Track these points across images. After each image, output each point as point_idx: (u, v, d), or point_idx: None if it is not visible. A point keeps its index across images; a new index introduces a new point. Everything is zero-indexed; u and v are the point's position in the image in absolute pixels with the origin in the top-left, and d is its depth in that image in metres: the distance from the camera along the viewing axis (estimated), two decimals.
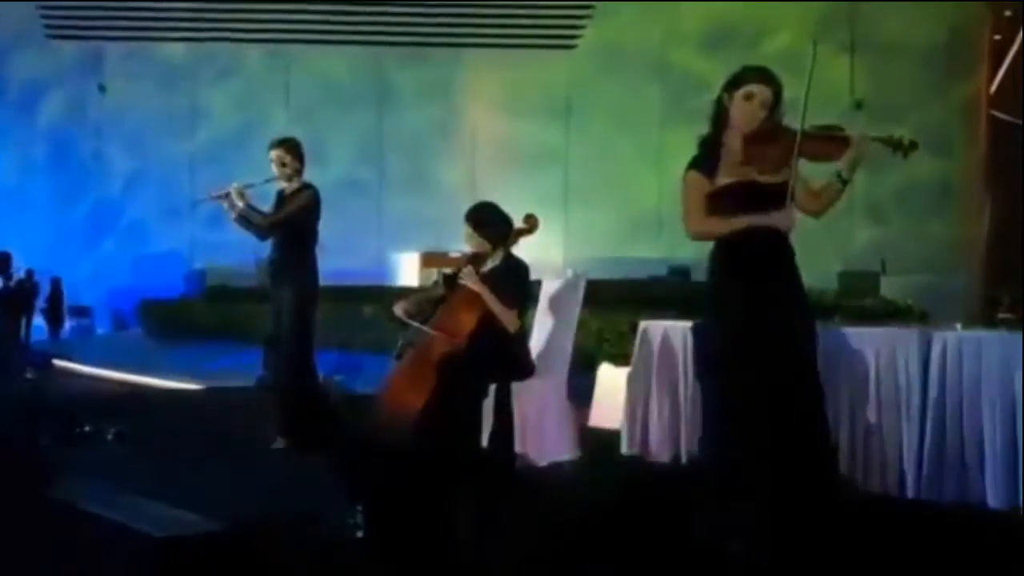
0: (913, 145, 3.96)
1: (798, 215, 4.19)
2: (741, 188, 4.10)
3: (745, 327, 4.07)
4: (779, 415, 4.01)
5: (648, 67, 20.99)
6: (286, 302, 6.72)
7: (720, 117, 4.20)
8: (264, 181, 6.88)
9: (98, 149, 21.89)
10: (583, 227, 20.27)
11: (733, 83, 4.17)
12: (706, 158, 4.18)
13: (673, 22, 21.19)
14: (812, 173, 4.25)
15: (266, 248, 6.99)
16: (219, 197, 6.76)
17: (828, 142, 4.05)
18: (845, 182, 4.09)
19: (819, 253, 20.47)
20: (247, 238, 7.09)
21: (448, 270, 6.10)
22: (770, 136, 4.08)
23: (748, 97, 4.12)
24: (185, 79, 22.05)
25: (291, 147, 6.84)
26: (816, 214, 4.26)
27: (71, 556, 4.01)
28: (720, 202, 4.12)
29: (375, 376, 7.25)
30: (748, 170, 4.11)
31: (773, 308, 4.08)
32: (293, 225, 6.75)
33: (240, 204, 6.68)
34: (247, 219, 6.76)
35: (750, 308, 4.07)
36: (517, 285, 5.76)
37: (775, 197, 4.05)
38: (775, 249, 4.14)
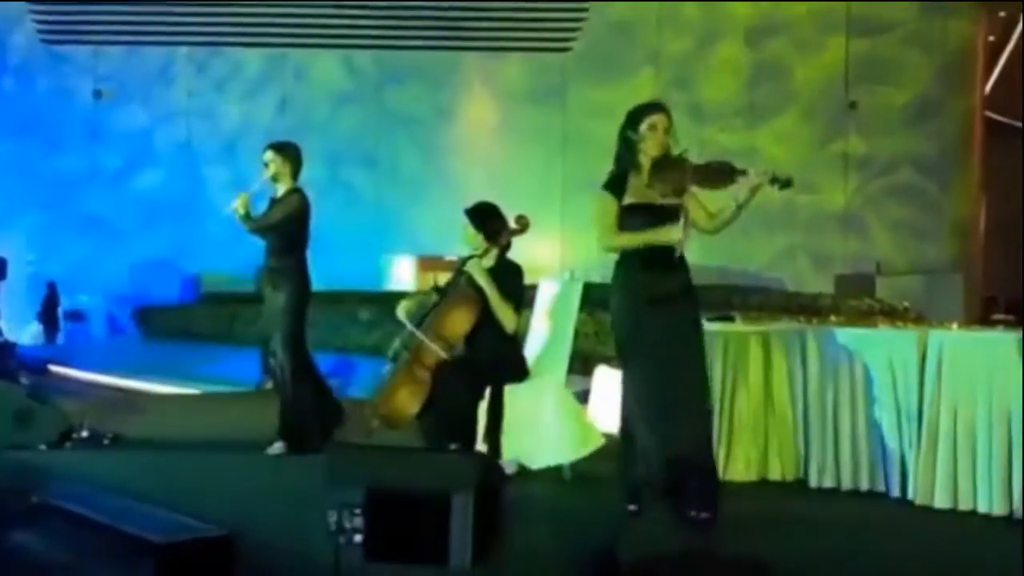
0: (789, 182, 4.65)
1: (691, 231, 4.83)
2: (644, 208, 4.80)
3: (639, 319, 4.79)
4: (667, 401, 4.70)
5: (644, 65, 21.00)
6: (278, 306, 6.73)
7: (628, 148, 4.86)
8: (260, 185, 6.89)
9: (93, 153, 21.86)
10: (580, 229, 20.27)
11: (636, 118, 4.84)
12: (617, 181, 4.88)
13: (671, 18, 21.21)
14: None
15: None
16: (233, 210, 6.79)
17: (717, 174, 4.66)
18: (740, 208, 4.71)
19: (814, 255, 20.54)
20: (243, 243, 7.09)
21: (442, 283, 6.14)
22: (671, 166, 4.75)
23: (652, 127, 4.80)
24: (181, 83, 22.03)
25: (279, 150, 6.85)
26: (711, 232, 4.91)
27: (68, 561, 4.00)
28: (626, 218, 4.83)
29: (370, 380, 7.25)
30: (651, 193, 4.78)
31: (663, 303, 4.76)
32: (280, 230, 6.75)
33: (240, 211, 6.69)
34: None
35: (645, 302, 4.77)
36: (513, 285, 5.79)
37: (672, 216, 4.72)
38: (667, 256, 4.76)
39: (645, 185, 4.80)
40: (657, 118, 4.80)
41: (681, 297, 4.84)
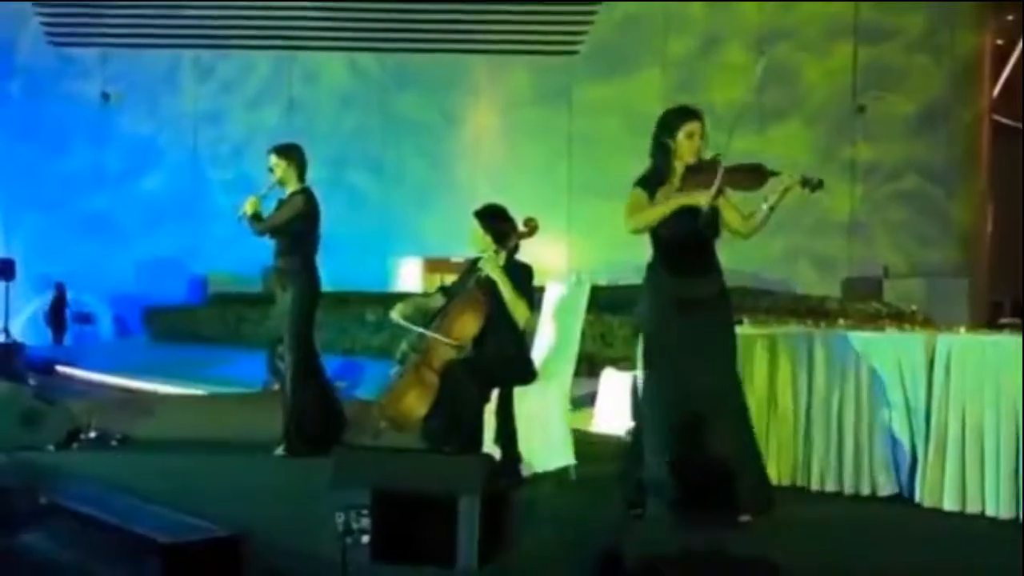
0: (819, 184, 4.73)
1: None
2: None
3: (664, 323, 4.84)
4: (690, 409, 4.73)
5: (650, 67, 21.00)
6: (287, 307, 6.74)
7: (664, 153, 4.91)
8: (268, 189, 6.90)
9: (100, 155, 21.91)
10: (586, 232, 20.28)
11: (673, 125, 4.90)
12: (650, 181, 4.92)
13: (678, 21, 21.21)
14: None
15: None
16: (241, 216, 6.78)
17: (749, 176, 4.74)
18: (771, 210, 4.76)
19: (821, 260, 20.54)
20: (249, 244, 7.11)
21: (447, 284, 6.14)
22: (703, 168, 4.81)
23: (690, 135, 4.87)
24: (188, 86, 22.08)
25: (282, 154, 6.85)
26: (744, 236, 4.96)
27: (75, 561, 4.01)
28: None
29: (377, 381, 7.26)
30: (681, 194, 4.83)
31: (692, 308, 4.79)
32: (287, 231, 6.76)
33: (249, 211, 6.69)
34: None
35: (673, 306, 4.81)
36: (524, 285, 5.77)
37: (702, 215, 4.75)
38: (698, 259, 4.87)
39: (676, 189, 4.85)
40: (694, 126, 4.87)
41: (712, 303, 4.87)
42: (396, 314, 5.91)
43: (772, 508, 4.85)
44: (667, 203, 4.80)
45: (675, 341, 4.79)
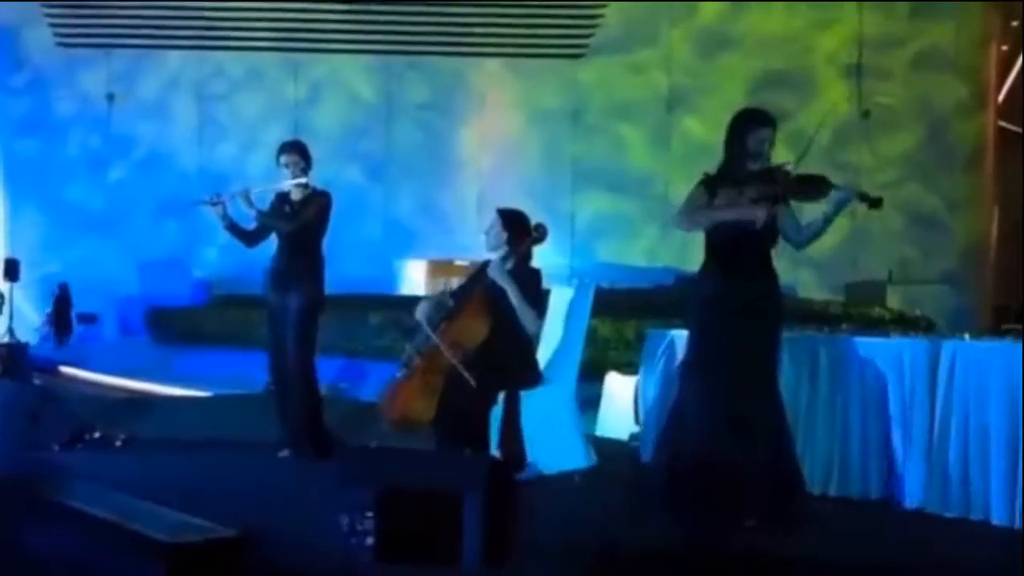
0: (878, 202, 4.74)
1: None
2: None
3: (711, 332, 4.82)
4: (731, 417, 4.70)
5: (653, 69, 21.00)
6: (293, 310, 6.68)
7: (733, 153, 4.89)
8: (270, 187, 6.87)
9: (105, 155, 21.92)
10: (589, 237, 20.27)
11: (745, 131, 4.87)
12: (715, 181, 4.91)
13: (682, 23, 21.22)
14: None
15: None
16: (213, 203, 6.69)
17: (811, 187, 4.76)
18: (828, 221, 4.79)
19: (827, 263, 20.52)
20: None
21: (456, 284, 6.15)
22: (769, 175, 4.81)
23: (760, 141, 4.85)
24: (194, 86, 22.09)
25: (303, 150, 6.83)
26: (798, 246, 4.98)
27: (80, 562, 4.02)
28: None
29: (381, 384, 7.27)
30: (743, 198, 4.81)
31: (738, 313, 4.74)
32: (306, 232, 6.73)
33: (251, 210, 6.66)
34: (235, 226, 6.74)
35: (719, 314, 4.79)
36: (533, 291, 5.79)
37: (759, 223, 4.72)
38: (751, 263, 4.84)
39: (738, 193, 4.83)
40: (767, 132, 4.87)
41: (761, 309, 4.83)
42: (419, 313, 5.93)
43: (794, 518, 4.80)
44: (720, 212, 4.80)
45: (719, 345, 4.76)
